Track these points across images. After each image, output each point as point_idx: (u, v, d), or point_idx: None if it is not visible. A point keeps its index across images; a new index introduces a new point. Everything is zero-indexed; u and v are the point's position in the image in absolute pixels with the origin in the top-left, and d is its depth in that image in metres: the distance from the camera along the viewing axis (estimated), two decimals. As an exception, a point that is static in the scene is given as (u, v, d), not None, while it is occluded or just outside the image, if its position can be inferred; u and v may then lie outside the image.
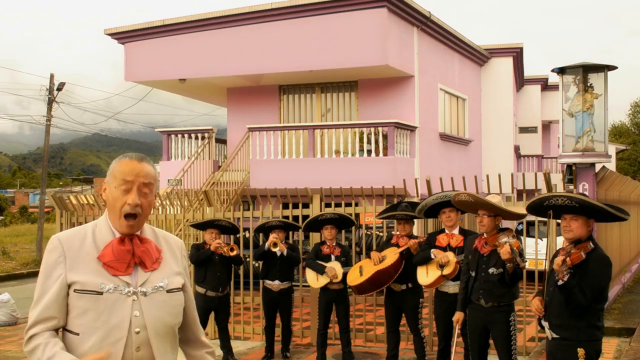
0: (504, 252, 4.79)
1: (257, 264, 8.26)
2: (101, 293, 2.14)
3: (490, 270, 5.11)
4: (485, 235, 5.27)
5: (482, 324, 5.23)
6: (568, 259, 3.90)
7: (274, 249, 7.28)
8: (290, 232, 8.54)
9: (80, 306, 2.14)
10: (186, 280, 2.39)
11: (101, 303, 2.14)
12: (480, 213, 5.26)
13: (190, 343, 2.45)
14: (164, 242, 2.38)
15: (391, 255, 6.58)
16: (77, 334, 2.15)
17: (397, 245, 6.64)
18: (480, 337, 5.29)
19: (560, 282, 3.93)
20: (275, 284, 7.44)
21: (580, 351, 4.00)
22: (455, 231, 6.22)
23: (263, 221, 7.82)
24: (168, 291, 2.27)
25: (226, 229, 7.55)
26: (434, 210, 6.36)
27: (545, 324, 4.20)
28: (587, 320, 4.03)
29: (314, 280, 7.18)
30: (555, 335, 4.13)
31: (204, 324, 7.46)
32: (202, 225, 7.56)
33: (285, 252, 7.37)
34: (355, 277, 6.78)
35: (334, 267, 7.09)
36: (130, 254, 2.23)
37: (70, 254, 2.19)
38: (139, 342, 2.16)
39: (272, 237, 7.35)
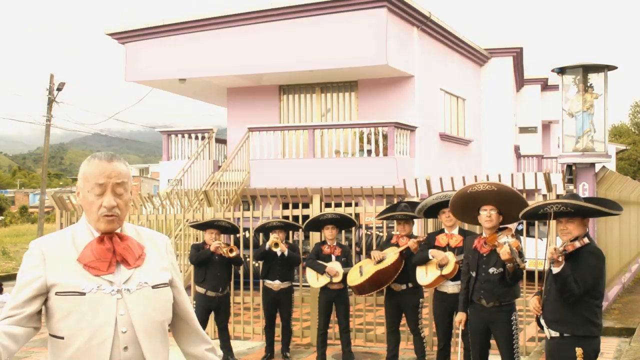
0: (504, 253, 4.77)
1: (257, 264, 8.28)
2: (84, 294, 2.10)
3: (491, 270, 5.11)
4: (484, 234, 5.26)
5: (484, 324, 5.24)
6: (562, 247, 4.01)
7: (275, 249, 7.28)
8: (290, 232, 8.54)
9: (63, 308, 2.10)
10: (174, 275, 2.35)
11: (84, 304, 2.09)
12: (488, 209, 5.16)
13: (188, 340, 2.40)
14: (147, 239, 2.33)
15: (391, 255, 6.59)
16: (62, 338, 2.10)
17: (397, 245, 6.65)
18: (482, 337, 5.30)
19: (556, 270, 3.98)
20: (275, 284, 7.44)
21: (579, 350, 4.01)
22: (455, 231, 6.22)
23: (263, 221, 7.82)
24: (153, 287, 2.21)
25: (226, 229, 7.56)
26: (433, 210, 6.36)
27: (543, 322, 4.22)
28: (583, 316, 4.05)
29: (314, 280, 7.18)
30: (553, 334, 4.14)
31: (204, 324, 7.45)
32: (202, 226, 7.57)
33: (286, 252, 7.37)
34: (355, 277, 6.78)
35: (335, 267, 7.10)
36: (111, 252, 2.18)
37: (49, 258, 2.15)
38: (127, 342, 2.11)
39: (273, 237, 7.35)
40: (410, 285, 6.59)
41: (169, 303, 2.28)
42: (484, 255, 5.16)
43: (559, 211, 4.09)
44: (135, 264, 2.20)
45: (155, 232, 2.41)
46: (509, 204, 5.15)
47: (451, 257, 6.03)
